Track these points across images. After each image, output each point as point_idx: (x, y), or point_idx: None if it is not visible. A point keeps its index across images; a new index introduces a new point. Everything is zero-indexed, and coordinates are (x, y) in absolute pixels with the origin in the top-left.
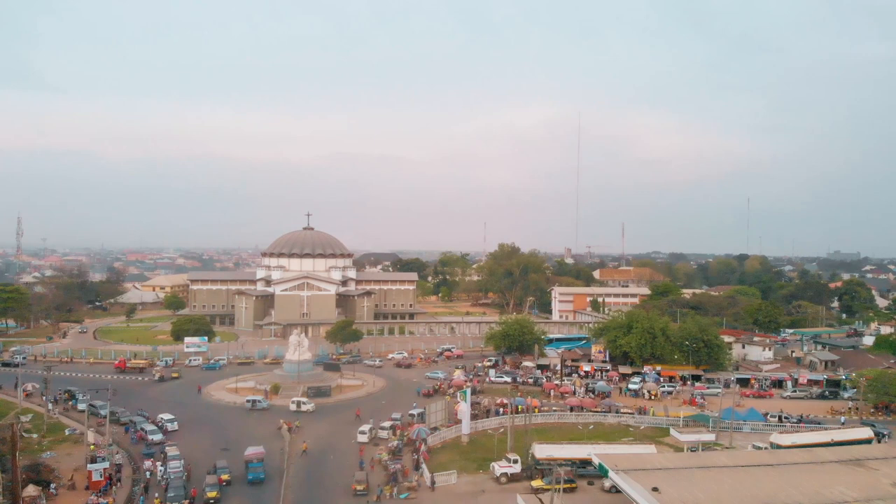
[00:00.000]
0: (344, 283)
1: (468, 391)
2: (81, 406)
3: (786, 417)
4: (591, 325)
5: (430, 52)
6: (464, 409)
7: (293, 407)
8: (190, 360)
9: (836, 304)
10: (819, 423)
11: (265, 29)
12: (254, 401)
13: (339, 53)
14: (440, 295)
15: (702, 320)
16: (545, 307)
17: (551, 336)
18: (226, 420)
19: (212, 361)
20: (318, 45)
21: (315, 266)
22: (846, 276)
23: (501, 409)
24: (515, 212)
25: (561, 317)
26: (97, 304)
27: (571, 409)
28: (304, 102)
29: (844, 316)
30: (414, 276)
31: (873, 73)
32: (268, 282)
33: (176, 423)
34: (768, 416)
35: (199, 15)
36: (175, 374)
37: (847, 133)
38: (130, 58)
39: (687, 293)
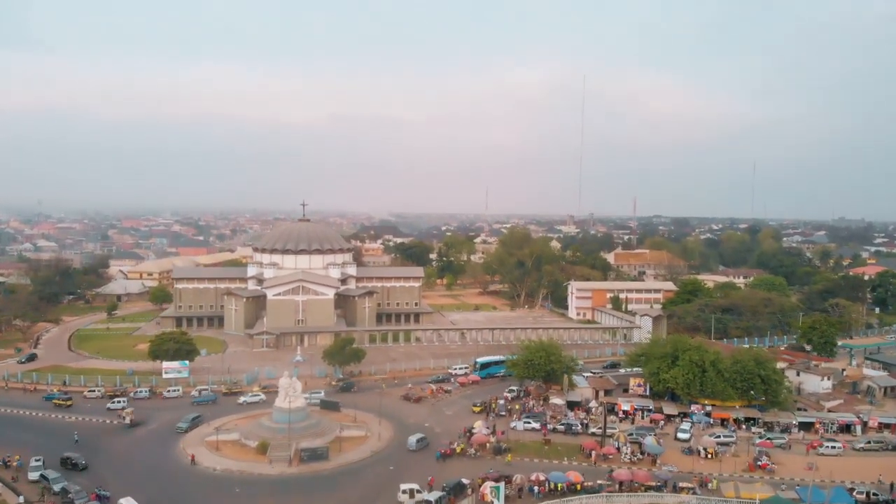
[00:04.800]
0: (343, 281)
1: (501, 488)
2: (33, 474)
3: (874, 494)
4: (620, 336)
5: (431, 11)
6: None
7: (404, 498)
8: (168, 391)
9: (867, 295)
10: None
11: None
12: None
13: (336, 13)
14: (444, 280)
15: (758, 352)
16: (560, 301)
17: (485, 360)
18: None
19: (204, 392)
20: (315, 5)
21: (311, 263)
22: (864, 255)
23: (537, 488)
24: (517, 175)
25: (578, 314)
26: (78, 293)
27: (620, 485)
28: (301, 63)
29: (878, 310)
30: (419, 271)
31: (879, 31)
32: (259, 280)
33: None
34: (855, 493)
35: None
36: (131, 417)
37: (851, 95)
38: (126, 16)
39: (708, 281)
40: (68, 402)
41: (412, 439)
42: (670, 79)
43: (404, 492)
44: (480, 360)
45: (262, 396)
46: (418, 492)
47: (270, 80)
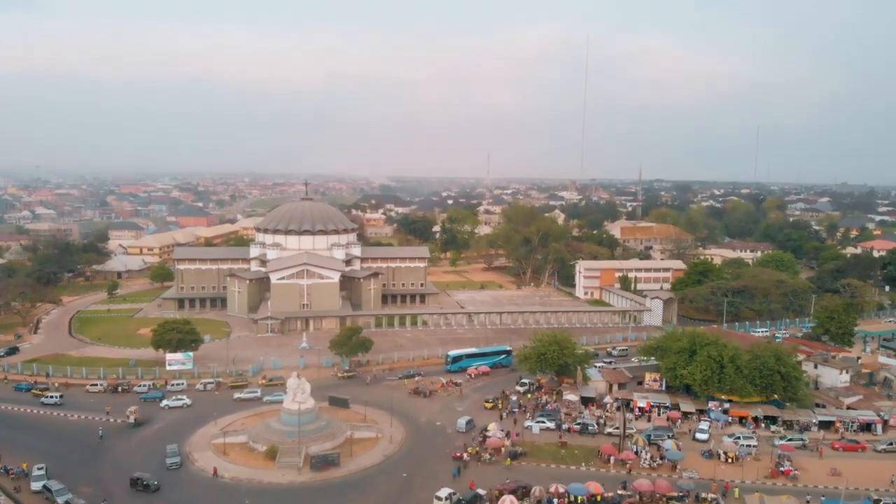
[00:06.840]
0: (348, 262)
1: None
2: (35, 485)
3: None
4: (630, 319)
5: None
6: None
7: None
8: (171, 385)
9: (878, 273)
10: None
11: None
12: None
13: None
14: (448, 255)
15: (778, 347)
16: (567, 280)
17: (457, 353)
18: None
19: (150, 388)
20: None
21: (315, 244)
22: (870, 225)
23: (557, 501)
24: (518, 138)
25: (586, 293)
26: (78, 270)
27: (641, 496)
28: (297, 22)
29: (888, 289)
30: (425, 251)
31: None
32: (263, 262)
33: None
34: None
35: None
36: (135, 416)
37: (854, 57)
38: None
39: (716, 256)
40: (46, 393)
41: (461, 422)
42: (672, 39)
43: (447, 498)
44: (452, 353)
45: (187, 401)
46: (453, 494)
47: (267, 39)
